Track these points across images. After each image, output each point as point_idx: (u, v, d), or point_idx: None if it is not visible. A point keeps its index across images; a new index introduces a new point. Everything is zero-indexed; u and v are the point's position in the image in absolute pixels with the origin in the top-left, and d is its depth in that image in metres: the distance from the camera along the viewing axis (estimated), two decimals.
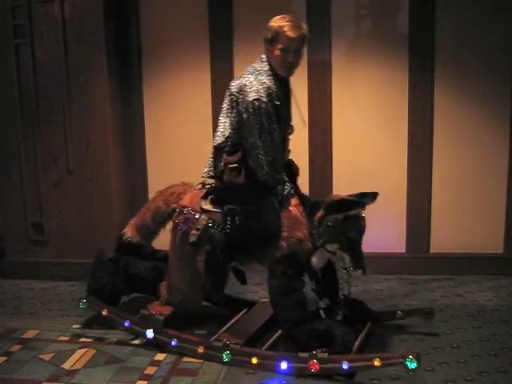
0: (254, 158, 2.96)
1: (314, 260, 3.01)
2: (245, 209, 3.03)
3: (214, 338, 3.10)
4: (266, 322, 3.26)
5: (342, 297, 3.13)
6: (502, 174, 4.12)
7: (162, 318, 3.17)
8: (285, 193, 3.02)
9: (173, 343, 3.08)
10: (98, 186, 4.25)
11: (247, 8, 4.24)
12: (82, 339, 3.31)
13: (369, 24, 4.30)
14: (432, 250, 4.23)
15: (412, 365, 2.58)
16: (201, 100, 4.34)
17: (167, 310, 3.22)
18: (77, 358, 3.08)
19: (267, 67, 3.02)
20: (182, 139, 4.43)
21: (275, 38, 2.97)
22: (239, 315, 3.44)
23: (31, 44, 4.16)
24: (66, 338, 3.33)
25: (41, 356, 3.12)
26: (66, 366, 3.00)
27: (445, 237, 4.19)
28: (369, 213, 4.19)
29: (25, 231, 4.40)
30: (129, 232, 3.41)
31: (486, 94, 4.07)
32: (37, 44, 4.16)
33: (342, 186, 4.15)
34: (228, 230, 3.04)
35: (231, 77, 4.25)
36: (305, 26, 3.02)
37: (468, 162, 4.16)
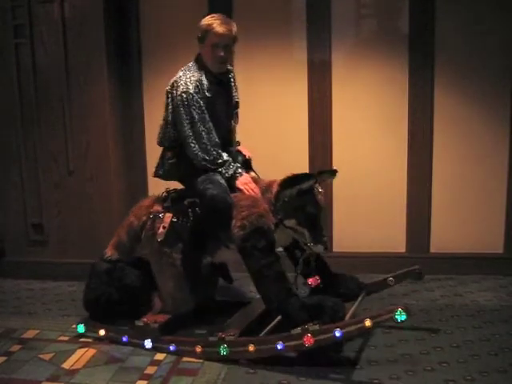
0: (188, 148, 3.13)
1: (277, 237, 3.05)
2: (200, 198, 3.13)
3: (209, 335, 3.10)
4: (260, 315, 3.27)
5: (298, 272, 3.13)
6: (502, 174, 4.12)
7: (157, 326, 3.19)
8: (228, 173, 3.13)
9: (171, 348, 3.10)
10: (98, 186, 4.25)
11: (247, 8, 4.24)
12: (82, 339, 3.31)
13: (369, 24, 4.30)
14: (432, 250, 4.24)
15: (401, 317, 2.59)
16: None
17: (162, 318, 3.25)
18: (77, 358, 3.08)
19: (196, 63, 3.20)
20: None
21: (205, 35, 3.14)
22: (236, 314, 3.43)
23: (31, 44, 4.17)
24: (66, 338, 3.33)
25: (41, 356, 3.12)
26: (66, 365, 3.00)
27: (445, 237, 4.19)
28: (369, 212, 4.25)
29: (25, 231, 4.40)
30: (108, 252, 3.45)
31: (486, 94, 4.07)
32: (37, 44, 4.17)
33: (342, 185, 4.15)
34: (192, 222, 3.16)
35: None
36: (233, 24, 3.19)
37: (468, 162, 4.16)
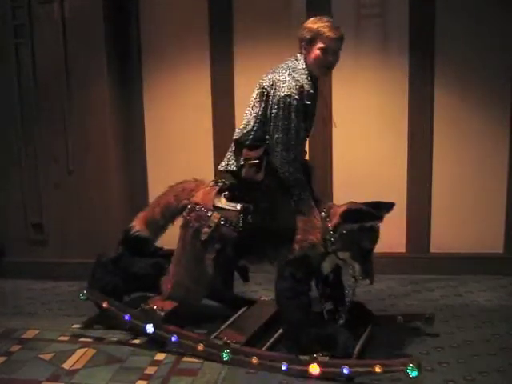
0: (276, 155, 2.94)
1: (324, 265, 3.00)
2: (259, 207, 3.01)
3: (214, 335, 3.09)
4: (267, 321, 3.26)
5: (347, 303, 3.11)
6: (502, 174, 4.12)
7: (163, 313, 3.16)
8: (301, 197, 2.98)
9: (173, 339, 3.06)
10: (98, 186, 4.25)
11: (247, 8, 4.24)
12: (82, 339, 3.30)
13: (369, 24, 4.29)
14: (432, 250, 4.23)
15: (413, 373, 2.57)
16: (201, 100, 4.34)
17: (169, 306, 3.21)
18: (77, 358, 3.07)
19: (302, 66, 3.01)
20: (182, 139, 4.43)
21: (315, 38, 2.97)
22: (239, 313, 3.43)
23: (31, 44, 4.16)
24: (66, 338, 3.32)
25: (41, 356, 3.11)
26: (66, 365, 3.00)
27: (445, 237, 4.19)
28: None
29: (25, 231, 4.40)
30: (137, 226, 3.38)
31: (486, 94, 4.07)
32: (37, 44, 4.17)
33: (342, 186, 4.16)
34: (240, 229, 3.03)
35: (231, 77, 4.27)
36: (341, 29, 3.04)
37: (468, 162, 4.16)
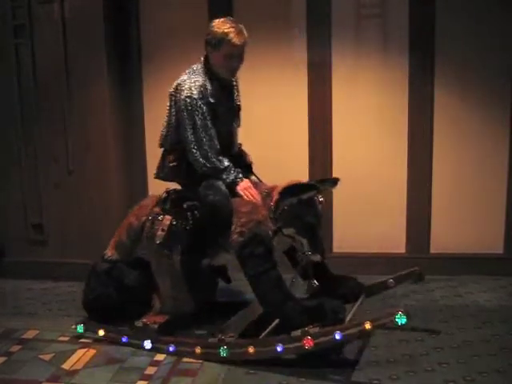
0: (189, 153, 3.14)
1: (275, 243, 3.05)
2: (201, 202, 3.14)
3: (209, 336, 3.11)
4: (260, 316, 3.26)
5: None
6: (502, 174, 4.12)
7: (157, 326, 3.20)
8: (229, 179, 3.14)
9: (170, 349, 3.10)
10: (97, 186, 4.25)
11: (247, 9, 4.24)
12: (82, 339, 3.31)
13: (369, 24, 4.28)
14: (432, 251, 4.23)
15: (402, 320, 2.59)
16: None
17: (161, 319, 3.26)
18: (77, 359, 3.08)
19: (203, 67, 3.18)
20: None
21: (219, 43, 3.10)
22: (235, 316, 3.43)
23: (31, 44, 4.17)
24: (66, 339, 3.33)
25: (41, 356, 3.12)
26: (66, 366, 3.00)
27: (445, 237, 4.19)
28: (369, 212, 4.24)
29: (25, 231, 4.41)
30: (109, 252, 3.47)
31: (486, 94, 4.07)
32: (37, 44, 4.17)
33: (342, 186, 4.14)
34: (191, 226, 3.15)
35: None
36: (245, 30, 3.14)
37: (468, 162, 4.16)
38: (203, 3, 4.26)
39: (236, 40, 3.07)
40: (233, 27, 3.10)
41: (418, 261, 4.08)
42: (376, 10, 4.26)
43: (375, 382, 2.74)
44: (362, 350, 3.01)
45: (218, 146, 3.17)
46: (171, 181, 3.34)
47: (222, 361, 2.96)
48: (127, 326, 3.27)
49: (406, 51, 4.10)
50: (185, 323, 3.25)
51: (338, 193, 4.19)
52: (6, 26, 4.18)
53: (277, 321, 3.09)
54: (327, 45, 4.14)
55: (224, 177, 3.14)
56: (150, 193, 4.37)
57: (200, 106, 3.09)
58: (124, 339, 3.23)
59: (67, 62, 4.15)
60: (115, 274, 3.40)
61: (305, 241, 2.96)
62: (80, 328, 3.33)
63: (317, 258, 2.98)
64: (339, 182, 3.09)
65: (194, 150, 3.12)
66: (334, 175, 4.25)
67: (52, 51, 4.15)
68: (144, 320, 3.25)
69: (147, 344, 3.15)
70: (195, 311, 3.30)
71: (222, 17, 4.20)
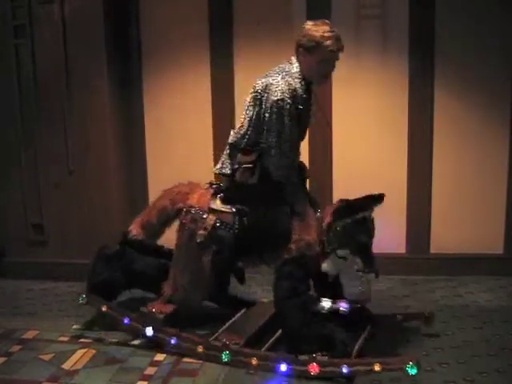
0: (270, 158, 2.96)
1: (326, 266, 2.99)
2: (254, 209, 3.02)
3: (213, 337, 3.10)
4: (266, 323, 3.26)
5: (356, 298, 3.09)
6: (502, 174, 4.12)
7: (162, 316, 3.17)
8: (298, 198, 3.02)
9: (172, 342, 3.07)
10: (97, 186, 4.25)
11: (247, 8, 4.24)
12: (82, 340, 3.30)
13: (369, 24, 4.28)
14: (432, 251, 4.23)
15: (412, 371, 2.59)
16: (201, 100, 4.34)
17: (168, 309, 3.22)
18: (77, 359, 3.07)
19: (296, 70, 3.00)
20: (182, 139, 4.43)
21: (315, 48, 2.93)
22: (238, 315, 3.43)
23: (31, 44, 4.16)
24: (66, 339, 3.33)
25: (41, 356, 3.12)
26: (66, 366, 3.00)
27: (445, 237, 4.19)
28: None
29: (25, 231, 4.40)
30: (134, 230, 3.39)
31: (486, 94, 4.07)
32: (37, 44, 4.16)
33: (342, 186, 4.16)
34: (236, 231, 3.05)
35: (231, 77, 4.27)
36: (340, 36, 2.99)
37: (468, 162, 4.16)
38: (203, 3, 4.26)
39: (334, 47, 2.92)
40: (331, 32, 2.93)
41: (418, 261, 4.10)
42: (376, 11, 4.26)
43: (375, 382, 2.74)
44: (361, 350, 3.00)
45: (296, 158, 3.08)
46: (236, 180, 3.09)
47: (223, 364, 2.95)
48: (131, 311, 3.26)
49: (406, 51, 4.10)
50: (191, 317, 3.22)
51: (337, 193, 4.20)
52: (6, 26, 4.17)
53: (279, 333, 3.08)
54: None
55: (292, 193, 3.01)
56: (150, 193, 4.38)
57: (291, 112, 2.92)
58: (126, 320, 3.20)
59: (67, 62, 4.14)
60: (126, 258, 3.38)
61: (359, 260, 2.93)
62: (82, 299, 3.31)
63: (372, 275, 2.97)
64: (385, 198, 3.04)
65: (278, 157, 2.94)
66: (334, 175, 4.28)
67: (52, 51, 4.15)
68: (150, 307, 3.22)
69: (149, 331, 3.11)
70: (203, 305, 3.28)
71: (221, 17, 4.24)
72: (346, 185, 4.13)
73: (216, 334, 3.13)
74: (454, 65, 4.08)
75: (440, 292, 3.90)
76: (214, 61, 4.29)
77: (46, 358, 3.10)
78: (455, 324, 3.37)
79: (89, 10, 4.09)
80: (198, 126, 4.37)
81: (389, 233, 4.22)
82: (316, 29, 2.95)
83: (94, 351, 3.15)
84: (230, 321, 3.33)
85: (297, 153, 3.13)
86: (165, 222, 3.35)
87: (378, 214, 4.19)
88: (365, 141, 4.23)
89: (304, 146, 4.17)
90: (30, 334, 3.39)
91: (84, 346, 3.22)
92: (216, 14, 4.26)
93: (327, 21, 3.03)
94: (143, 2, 4.38)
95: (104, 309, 3.27)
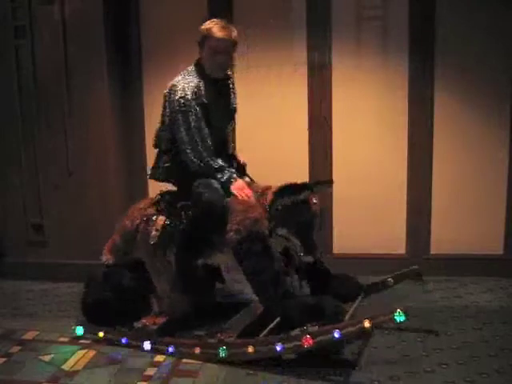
0: (183, 153, 3.15)
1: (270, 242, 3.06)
2: (195, 201, 3.14)
3: (208, 335, 3.11)
4: (260, 316, 3.26)
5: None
6: (502, 175, 4.11)
7: (156, 327, 3.21)
8: (223, 178, 3.13)
9: (170, 350, 3.10)
10: (97, 187, 4.25)
11: (247, 9, 4.24)
12: (82, 340, 3.31)
13: (369, 25, 4.28)
14: (432, 252, 4.23)
15: (400, 318, 2.60)
16: None
17: (160, 320, 3.27)
18: (76, 360, 3.08)
19: (196, 68, 3.19)
20: None
21: (204, 39, 3.13)
22: (235, 317, 3.43)
23: (31, 45, 4.17)
24: (66, 339, 3.33)
25: (41, 357, 3.12)
26: (66, 367, 3.00)
27: (445, 238, 4.18)
28: (369, 213, 4.24)
29: (25, 232, 4.40)
30: (104, 256, 3.49)
31: (486, 95, 4.07)
32: (37, 45, 4.17)
33: (342, 186, 4.15)
34: (185, 225, 3.16)
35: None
36: (233, 29, 3.17)
37: (468, 162, 4.16)
38: (203, 3, 4.26)
39: (218, 34, 3.10)
40: (217, 23, 3.14)
41: (418, 262, 4.09)
42: (376, 11, 4.26)
43: (375, 382, 2.74)
44: (362, 351, 3.00)
45: (212, 147, 3.18)
46: (165, 181, 3.35)
47: (222, 361, 2.96)
48: (127, 327, 3.27)
49: (406, 52, 4.10)
50: (184, 324, 3.25)
51: (337, 193, 4.20)
52: (6, 26, 4.18)
53: (276, 320, 3.09)
54: (327, 45, 4.14)
55: (218, 176, 3.15)
56: (151, 193, 4.38)
57: (194, 107, 3.11)
58: (124, 340, 3.23)
59: (67, 62, 4.15)
60: (112, 277, 3.42)
61: (297, 241, 2.98)
62: (79, 330, 3.34)
63: (309, 258, 3.00)
64: (333, 184, 3.14)
65: (188, 151, 3.13)
66: (334, 176, 4.27)
67: (52, 52, 4.15)
68: (143, 321, 3.26)
69: (147, 345, 3.15)
70: (193, 312, 3.30)
71: (221, 16, 4.23)
72: (345, 185, 4.12)
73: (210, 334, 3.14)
74: (454, 65, 4.08)
75: (439, 293, 3.90)
76: None
77: (46, 358, 3.11)
78: (455, 325, 3.37)
79: (89, 10, 4.10)
80: None
81: (388, 233, 4.25)
82: (205, 24, 3.17)
83: (93, 352, 3.16)
84: (229, 321, 3.33)
85: (221, 141, 3.29)
86: (129, 242, 3.40)
87: (378, 214, 4.24)
88: (365, 141, 4.23)
89: (304, 146, 4.24)
90: (29, 335, 3.40)
91: (84, 346, 3.23)
92: (216, 14, 4.24)
93: (220, 19, 3.22)
94: (143, 2, 4.38)
95: (101, 335, 3.29)
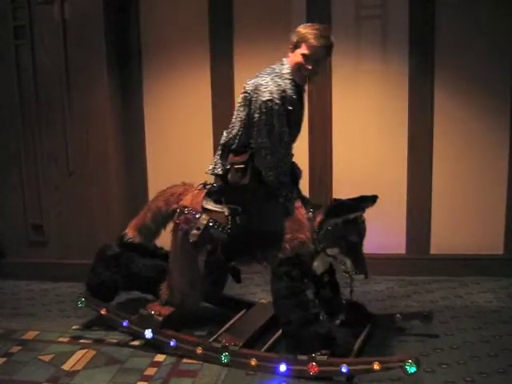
0: (261, 159, 2.96)
1: (315, 265, 3.00)
2: (247, 209, 3.03)
3: (213, 338, 3.09)
4: (265, 324, 3.26)
5: (343, 301, 3.13)
6: (502, 175, 4.11)
7: (161, 318, 3.17)
8: (290, 197, 3.02)
9: (171, 344, 3.08)
10: (97, 187, 4.25)
11: (247, 8, 4.24)
12: (82, 340, 3.30)
13: (369, 24, 4.28)
14: (432, 251, 4.23)
15: (411, 369, 2.59)
16: (201, 100, 4.34)
17: (166, 311, 3.22)
18: (77, 359, 3.08)
19: (286, 71, 3.00)
20: (182, 140, 4.43)
21: (300, 43, 2.95)
22: (238, 316, 3.43)
23: (31, 45, 4.16)
24: (66, 339, 3.33)
25: (41, 357, 3.12)
26: (66, 367, 3.00)
27: (445, 238, 4.19)
28: (369, 213, 4.22)
29: (25, 232, 4.40)
30: (130, 233, 3.41)
31: (486, 95, 4.07)
32: (37, 45, 4.16)
33: (342, 186, 4.15)
34: (229, 230, 3.05)
35: (231, 78, 4.27)
36: (332, 38, 2.99)
37: (468, 162, 4.16)
38: (203, 4, 4.26)
39: (315, 41, 2.91)
40: (316, 29, 2.95)
41: (418, 261, 4.10)
42: (376, 11, 4.26)
43: (375, 383, 2.73)
44: (360, 350, 3.00)
45: (287, 159, 3.07)
46: (228, 181, 3.08)
47: (222, 365, 2.95)
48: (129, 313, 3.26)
49: (406, 52, 4.10)
50: (189, 318, 3.22)
51: (337, 194, 4.19)
52: (7, 26, 4.18)
53: (279, 332, 3.08)
54: None
55: (284, 193, 3.02)
56: (150, 193, 4.38)
57: (281, 112, 2.93)
58: (125, 323, 3.22)
59: (67, 62, 4.14)
60: (124, 260, 3.40)
61: (348, 260, 2.93)
62: (82, 302, 3.33)
63: (361, 277, 2.95)
64: (378, 199, 3.04)
65: (269, 157, 2.93)
66: (334, 175, 4.28)
67: (52, 52, 4.15)
68: (148, 309, 3.22)
69: (148, 333, 3.12)
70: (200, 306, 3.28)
71: (221, 18, 4.24)
72: (346, 185, 4.12)
73: (215, 336, 3.12)
74: (454, 65, 4.08)
75: (440, 293, 3.90)
76: (214, 62, 4.29)
77: (46, 358, 3.10)
78: (455, 325, 3.37)
79: (89, 11, 4.09)
80: (198, 128, 4.37)
81: (389, 233, 4.25)
82: (305, 27, 3.00)
83: (93, 352, 3.16)
84: (230, 322, 3.33)
85: (288, 153, 3.12)
86: (160, 224, 3.37)
87: (378, 213, 4.23)
88: (365, 141, 4.23)
89: (304, 146, 4.23)
90: (29, 335, 3.39)
91: (84, 346, 3.23)
92: (216, 14, 4.26)
93: (321, 25, 3.05)
94: (143, 2, 4.37)
95: (103, 312, 3.29)
